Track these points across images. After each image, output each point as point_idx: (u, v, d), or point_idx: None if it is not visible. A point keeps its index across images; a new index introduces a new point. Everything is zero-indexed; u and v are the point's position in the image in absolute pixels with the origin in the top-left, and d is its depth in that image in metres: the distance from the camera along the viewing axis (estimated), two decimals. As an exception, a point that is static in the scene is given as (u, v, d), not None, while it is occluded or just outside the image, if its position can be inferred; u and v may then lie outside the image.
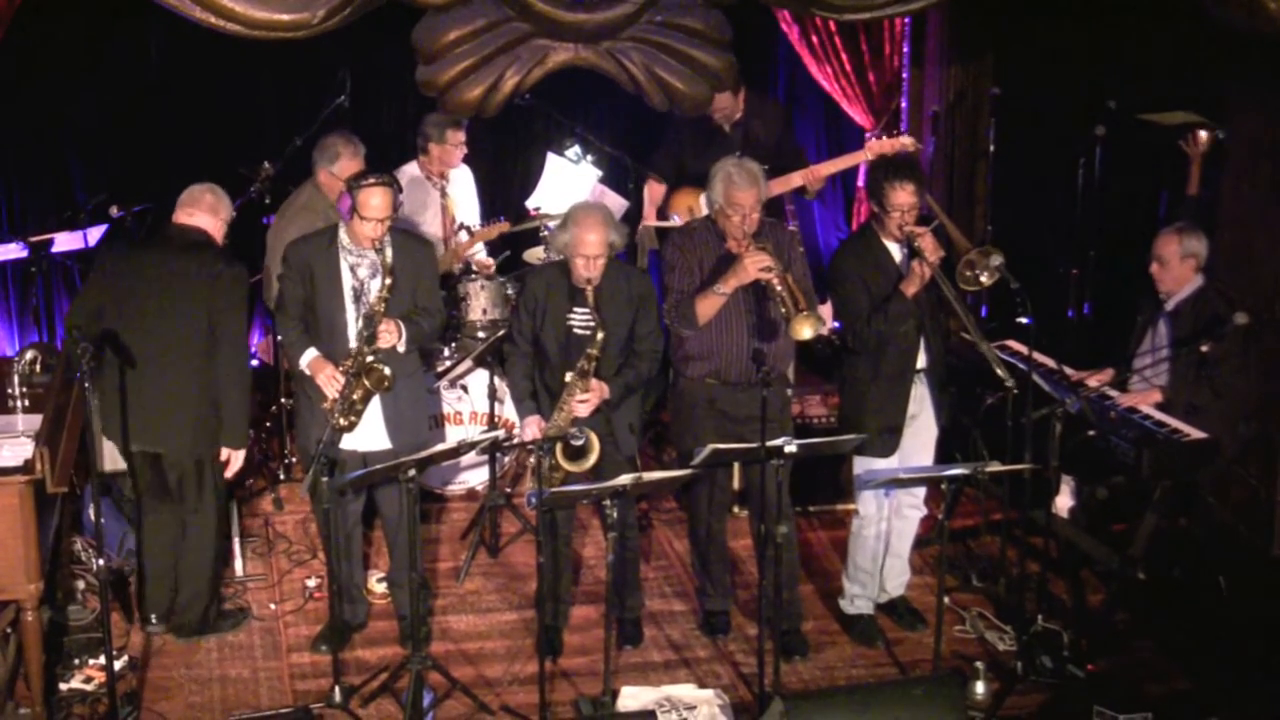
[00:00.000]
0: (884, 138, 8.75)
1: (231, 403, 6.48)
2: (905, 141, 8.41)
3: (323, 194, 7.42)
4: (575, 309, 6.43)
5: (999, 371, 6.29)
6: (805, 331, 6.23)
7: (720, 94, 8.03)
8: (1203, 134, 7.98)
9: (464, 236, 8.30)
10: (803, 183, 8.43)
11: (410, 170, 8.19)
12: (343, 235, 6.38)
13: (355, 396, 6.33)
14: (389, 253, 6.26)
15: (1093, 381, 7.10)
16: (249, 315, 6.65)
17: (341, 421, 6.35)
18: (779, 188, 8.27)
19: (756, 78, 8.91)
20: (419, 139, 8.20)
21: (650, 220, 8.51)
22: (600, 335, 6.32)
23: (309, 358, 6.42)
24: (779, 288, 6.28)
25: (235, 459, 6.59)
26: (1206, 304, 7.01)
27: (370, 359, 6.28)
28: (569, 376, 6.39)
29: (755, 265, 6.29)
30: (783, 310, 6.28)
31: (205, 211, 6.53)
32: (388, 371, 6.27)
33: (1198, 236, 7.04)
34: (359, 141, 7.50)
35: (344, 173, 7.13)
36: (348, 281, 6.37)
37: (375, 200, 6.20)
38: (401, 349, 6.36)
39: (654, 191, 8.64)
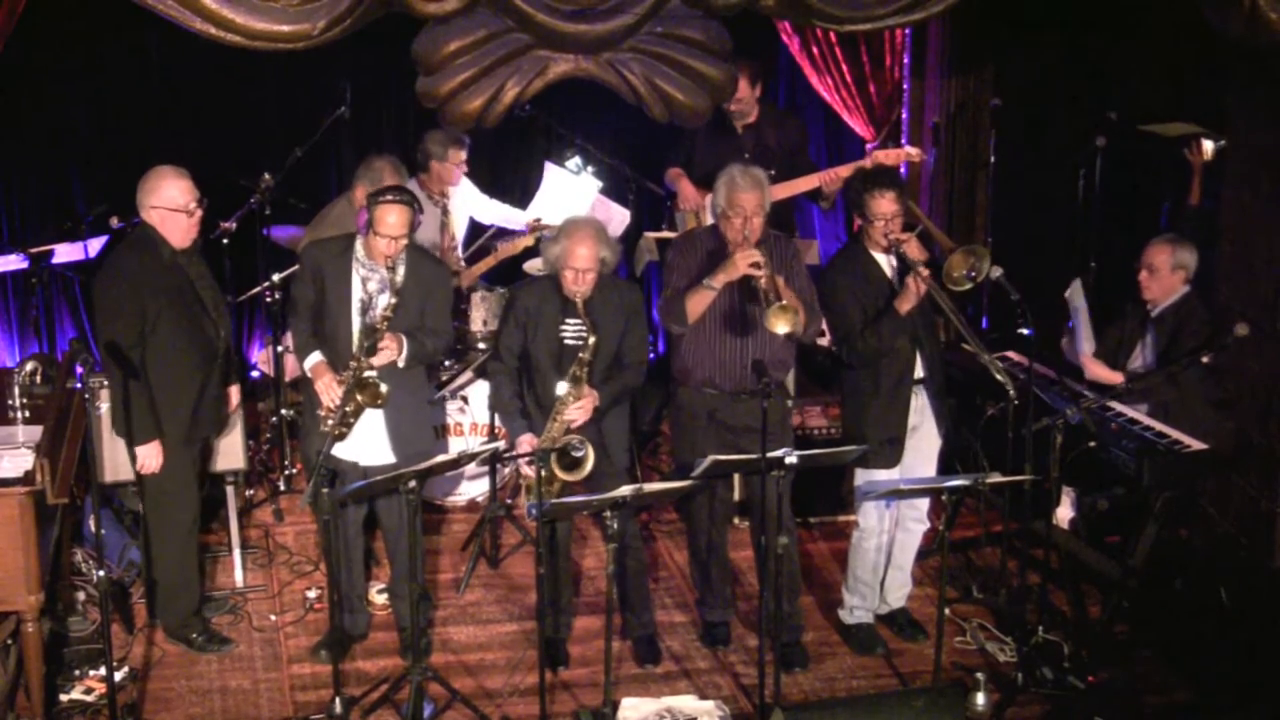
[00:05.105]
0: (889, 147, 8.77)
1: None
2: (910, 152, 8.41)
3: (355, 209, 7.41)
4: (567, 321, 6.44)
5: (999, 378, 6.27)
6: (780, 326, 6.17)
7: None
8: (1207, 144, 8.02)
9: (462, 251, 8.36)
10: (819, 184, 8.42)
11: (409, 188, 8.16)
12: (358, 247, 6.39)
13: (348, 409, 6.33)
14: (400, 271, 6.28)
15: (1100, 371, 7.11)
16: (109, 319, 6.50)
17: (334, 430, 6.35)
18: (788, 191, 8.27)
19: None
20: (419, 156, 8.18)
21: (688, 203, 8.48)
22: (592, 340, 6.33)
23: (313, 361, 6.43)
24: (764, 285, 6.27)
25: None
26: (1191, 311, 7.15)
27: (367, 374, 6.28)
28: (561, 388, 6.39)
29: (745, 261, 6.28)
30: (764, 305, 6.26)
31: None
32: (383, 389, 6.27)
33: (1189, 249, 7.16)
34: (404, 170, 7.49)
35: None
36: (356, 293, 6.38)
37: (392, 218, 6.21)
38: (401, 364, 6.36)
39: (673, 175, 8.66)
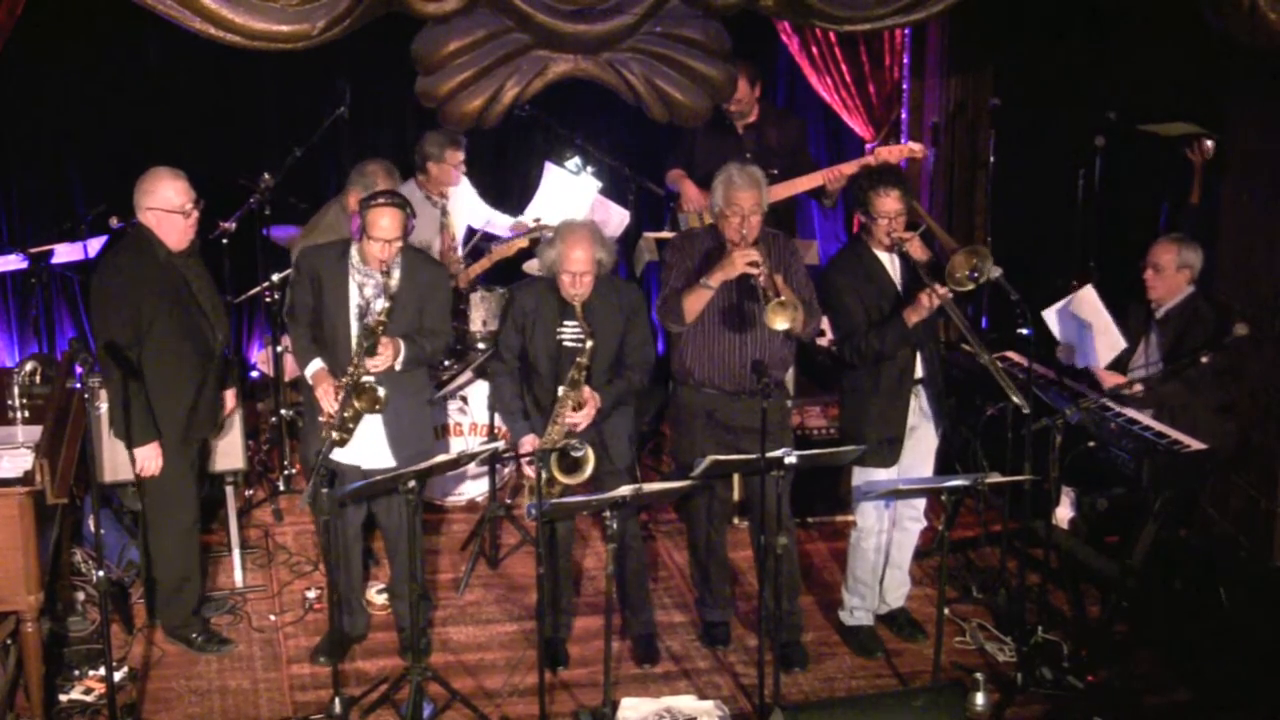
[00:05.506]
0: (891, 144, 8.77)
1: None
2: (913, 147, 8.41)
3: (348, 215, 7.40)
4: (565, 323, 6.44)
5: (1015, 398, 6.25)
6: (779, 322, 6.17)
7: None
8: (1208, 143, 8.02)
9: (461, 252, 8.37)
10: (823, 181, 8.41)
11: (408, 189, 8.16)
12: (354, 252, 6.38)
13: (347, 414, 6.32)
14: (395, 275, 6.26)
15: (1109, 379, 7.11)
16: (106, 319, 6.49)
17: (335, 436, 6.34)
18: (791, 190, 8.27)
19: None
20: (417, 157, 8.18)
21: (692, 205, 8.49)
22: (590, 344, 6.32)
23: (313, 368, 6.43)
24: (763, 283, 6.26)
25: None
26: (1196, 311, 7.13)
27: (365, 379, 6.26)
28: (561, 390, 6.39)
29: (743, 259, 6.27)
30: (763, 302, 6.26)
31: None
32: (381, 393, 6.26)
33: (1195, 249, 7.15)
34: (397, 174, 7.48)
35: None
36: (353, 298, 6.36)
37: (385, 221, 6.19)
38: (398, 368, 6.35)
39: (675, 176, 8.67)
